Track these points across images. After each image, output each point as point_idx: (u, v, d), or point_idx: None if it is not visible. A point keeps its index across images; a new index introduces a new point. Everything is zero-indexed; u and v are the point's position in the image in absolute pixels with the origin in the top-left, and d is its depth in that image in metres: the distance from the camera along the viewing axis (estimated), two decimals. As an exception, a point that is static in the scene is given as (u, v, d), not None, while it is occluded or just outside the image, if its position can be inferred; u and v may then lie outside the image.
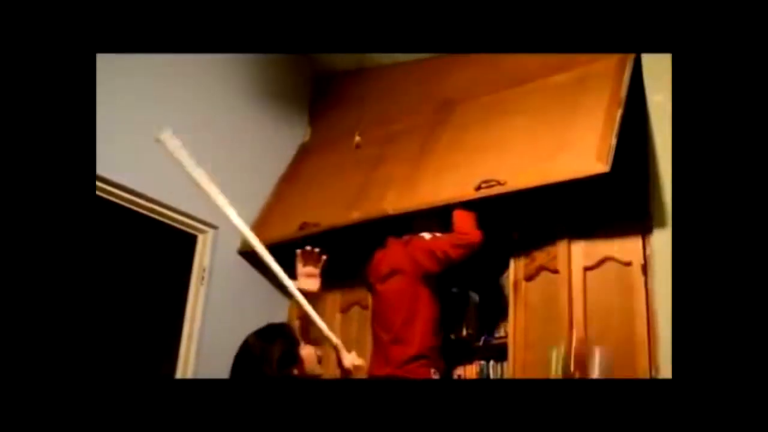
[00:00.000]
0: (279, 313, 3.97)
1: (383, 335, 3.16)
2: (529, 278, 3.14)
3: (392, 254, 3.28)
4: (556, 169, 2.90)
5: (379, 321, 3.22)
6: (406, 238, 3.30)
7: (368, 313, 3.45)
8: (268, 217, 3.98)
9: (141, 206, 3.53)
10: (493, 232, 3.39)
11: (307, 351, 2.41)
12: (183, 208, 3.65)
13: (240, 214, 3.86)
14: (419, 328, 3.08)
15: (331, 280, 3.45)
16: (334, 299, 3.79)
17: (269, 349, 2.42)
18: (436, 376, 3.06)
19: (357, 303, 3.70)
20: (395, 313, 3.13)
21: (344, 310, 3.75)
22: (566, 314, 2.93)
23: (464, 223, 3.11)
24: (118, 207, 3.45)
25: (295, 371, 2.37)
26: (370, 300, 3.44)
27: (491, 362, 3.34)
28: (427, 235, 3.24)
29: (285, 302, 4.01)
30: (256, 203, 4.08)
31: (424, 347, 3.07)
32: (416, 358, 3.04)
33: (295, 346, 2.44)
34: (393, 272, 3.22)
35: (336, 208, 3.62)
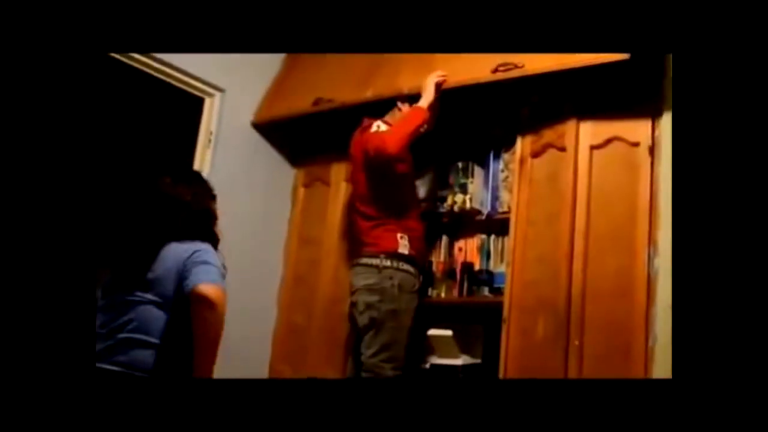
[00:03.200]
0: (285, 183, 4.01)
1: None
2: (536, 155, 3.14)
3: (356, 139, 3.28)
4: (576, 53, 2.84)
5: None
6: (366, 122, 3.27)
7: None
8: (281, 90, 3.93)
9: (148, 66, 3.48)
10: (501, 109, 3.39)
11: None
12: (190, 69, 3.60)
13: (250, 84, 3.87)
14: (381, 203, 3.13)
15: (340, 152, 3.52)
16: (339, 169, 3.82)
17: (196, 186, 2.39)
18: (403, 241, 3.07)
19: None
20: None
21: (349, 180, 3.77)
22: (570, 191, 2.95)
23: (397, 132, 3.03)
24: (125, 66, 3.41)
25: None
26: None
27: (492, 236, 3.41)
28: (376, 124, 3.20)
29: (291, 173, 4.04)
30: (266, 73, 4.01)
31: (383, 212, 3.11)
32: (376, 224, 3.10)
33: (210, 194, 2.41)
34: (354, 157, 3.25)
35: (350, 84, 3.57)
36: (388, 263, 3.01)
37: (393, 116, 3.25)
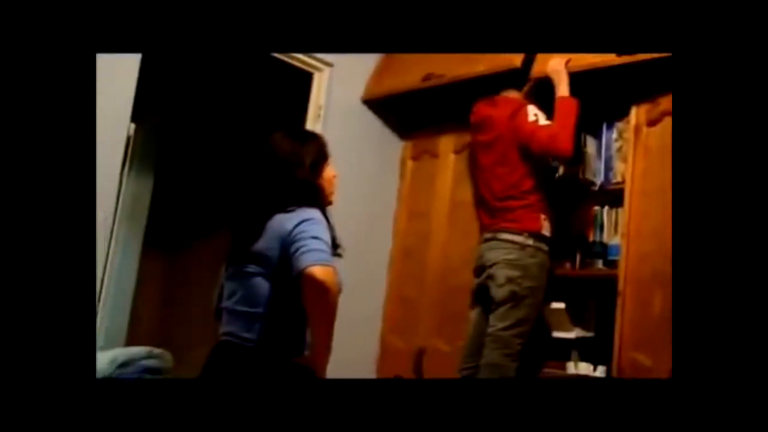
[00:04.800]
0: (393, 156, 4.05)
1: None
2: (652, 123, 3.04)
3: (497, 112, 3.21)
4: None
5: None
6: (516, 101, 3.21)
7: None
8: (390, 66, 3.94)
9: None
10: (613, 79, 3.28)
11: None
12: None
13: (359, 58, 3.90)
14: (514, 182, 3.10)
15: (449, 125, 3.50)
16: (447, 142, 3.81)
17: (301, 148, 2.24)
18: (546, 223, 3.07)
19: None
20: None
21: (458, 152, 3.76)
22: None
23: (565, 130, 2.98)
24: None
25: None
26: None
27: (606, 208, 3.32)
28: (532, 111, 3.11)
29: (398, 141, 4.07)
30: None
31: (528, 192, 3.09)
32: (521, 204, 3.08)
33: (325, 151, 2.28)
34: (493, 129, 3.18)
35: (461, 58, 3.50)
36: (531, 242, 3.02)
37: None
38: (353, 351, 3.35)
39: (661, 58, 2.78)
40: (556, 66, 3.14)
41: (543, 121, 3.07)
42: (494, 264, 3.04)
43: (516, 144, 3.10)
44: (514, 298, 2.97)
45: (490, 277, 3.05)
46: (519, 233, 3.04)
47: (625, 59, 2.95)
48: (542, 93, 3.17)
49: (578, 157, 3.32)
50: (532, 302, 2.99)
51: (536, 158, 3.08)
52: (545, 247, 3.05)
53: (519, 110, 3.13)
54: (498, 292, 3.00)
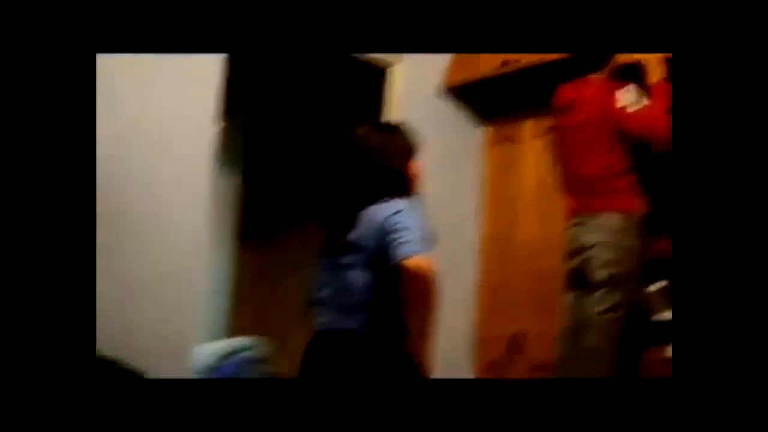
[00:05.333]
0: (475, 144, 4.06)
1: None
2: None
3: (584, 94, 3.16)
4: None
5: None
6: (601, 83, 3.14)
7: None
8: (465, 54, 3.94)
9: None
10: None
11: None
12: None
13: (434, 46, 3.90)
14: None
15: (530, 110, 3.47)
16: (529, 127, 3.81)
17: (391, 140, 2.26)
18: (640, 204, 3.01)
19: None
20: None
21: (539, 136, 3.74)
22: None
23: (661, 115, 2.90)
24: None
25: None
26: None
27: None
28: (624, 94, 3.05)
29: (480, 135, 4.07)
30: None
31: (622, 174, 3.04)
32: (612, 185, 3.04)
33: (413, 142, 2.28)
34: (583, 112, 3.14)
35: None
36: (628, 224, 2.98)
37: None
38: (448, 339, 3.38)
39: None
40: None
41: (636, 105, 3.03)
42: (592, 246, 3.00)
43: (607, 127, 3.06)
44: (612, 281, 2.93)
45: (588, 259, 3.01)
46: (617, 214, 3.00)
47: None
48: (626, 74, 3.11)
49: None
50: (630, 286, 2.95)
51: (631, 140, 3.03)
52: (641, 229, 3.00)
53: (609, 92, 3.08)
54: (596, 275, 2.96)
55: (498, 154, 4.00)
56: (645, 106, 3.01)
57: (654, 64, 3.04)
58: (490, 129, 4.06)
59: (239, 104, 4.45)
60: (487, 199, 4.00)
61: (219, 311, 4.47)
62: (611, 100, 3.06)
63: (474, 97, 4.03)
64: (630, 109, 3.02)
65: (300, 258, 3.18)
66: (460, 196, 4.00)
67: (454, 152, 4.00)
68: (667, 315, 3.11)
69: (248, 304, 4.99)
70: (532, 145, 3.75)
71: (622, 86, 3.09)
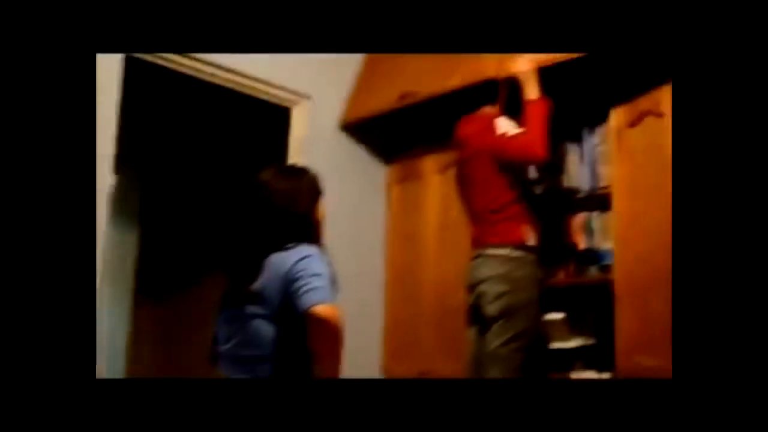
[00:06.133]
0: (376, 177, 4.04)
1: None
2: (632, 125, 3.03)
3: (471, 129, 3.20)
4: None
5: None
6: (488, 115, 3.18)
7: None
8: (366, 87, 3.95)
9: (231, 81, 3.55)
10: (592, 84, 3.29)
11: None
12: (275, 80, 3.66)
13: (336, 87, 3.91)
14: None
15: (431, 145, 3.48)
16: (431, 163, 3.80)
17: (297, 185, 2.20)
18: (530, 232, 3.03)
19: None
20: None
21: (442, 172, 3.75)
22: (671, 160, 2.84)
23: (536, 135, 2.97)
24: (214, 87, 3.50)
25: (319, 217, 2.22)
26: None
27: (595, 213, 3.31)
28: (502, 123, 3.10)
29: (381, 166, 4.06)
30: (351, 74, 4.03)
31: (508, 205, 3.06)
32: (502, 216, 3.06)
33: (319, 186, 2.25)
34: (469, 147, 3.18)
35: (435, 74, 3.53)
36: (517, 254, 2.99)
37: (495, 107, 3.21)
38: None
39: (633, 53, 2.81)
40: (521, 66, 3.09)
41: (513, 130, 3.06)
42: (483, 281, 3.01)
43: (490, 158, 3.08)
44: (507, 313, 2.92)
45: (481, 294, 3.01)
46: (504, 246, 3.01)
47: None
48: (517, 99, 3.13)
49: (557, 166, 3.33)
50: (527, 315, 2.95)
51: (514, 169, 3.06)
52: (533, 258, 3.02)
53: (489, 124, 3.13)
54: (489, 309, 2.96)
55: (401, 191, 3.98)
56: (523, 130, 3.03)
57: (529, 81, 3.06)
58: (394, 167, 4.04)
59: (136, 155, 4.32)
60: (391, 237, 3.97)
61: (114, 370, 4.28)
62: (491, 129, 3.10)
63: (376, 133, 4.02)
64: (508, 135, 3.05)
65: (200, 313, 3.05)
66: (366, 236, 3.95)
67: (359, 191, 3.96)
68: (569, 343, 3.15)
69: (144, 363, 4.77)
70: (434, 181, 3.75)
71: (509, 113, 3.13)
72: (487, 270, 3.01)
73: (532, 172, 3.33)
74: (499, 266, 2.98)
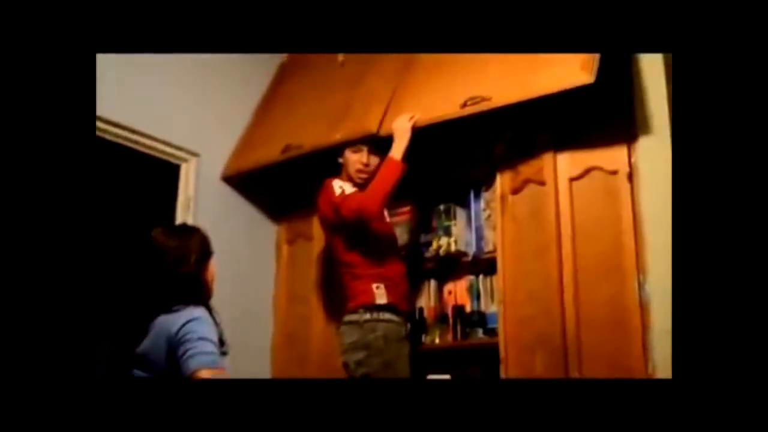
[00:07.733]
0: (266, 236, 4.00)
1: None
2: (516, 191, 3.15)
3: (319, 196, 3.25)
4: (541, 81, 2.86)
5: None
6: (325, 182, 3.22)
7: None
8: (251, 141, 3.93)
9: (120, 137, 3.46)
10: (477, 148, 3.40)
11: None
12: (164, 137, 3.60)
13: (222, 139, 3.88)
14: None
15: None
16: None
17: (186, 244, 2.18)
18: (380, 291, 3.04)
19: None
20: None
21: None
22: (554, 225, 2.96)
23: (376, 192, 3.02)
24: (105, 142, 3.38)
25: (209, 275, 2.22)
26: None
27: (481, 276, 3.40)
28: (337, 185, 3.15)
29: (271, 225, 4.03)
30: (238, 126, 4.03)
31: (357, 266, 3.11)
32: (352, 278, 3.10)
33: (209, 246, 2.25)
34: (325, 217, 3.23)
35: (319, 128, 3.55)
36: (368, 316, 2.98)
37: (344, 172, 3.25)
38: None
39: (509, 106, 2.91)
40: (400, 124, 3.14)
41: (349, 190, 3.11)
42: (345, 350, 3.01)
43: (332, 221, 3.13)
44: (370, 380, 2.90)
45: (346, 364, 3.00)
46: (355, 311, 3.02)
47: (468, 110, 2.99)
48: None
49: (448, 228, 3.40)
50: (391, 376, 2.91)
51: (348, 226, 3.07)
52: (387, 315, 3.00)
53: (326, 188, 3.17)
54: (356, 377, 2.95)
55: (292, 251, 3.95)
56: (356, 190, 3.10)
57: (400, 139, 3.10)
58: (284, 226, 4.01)
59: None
60: (280, 298, 3.91)
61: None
62: (328, 193, 3.14)
63: (260, 188, 3.98)
64: (344, 194, 3.09)
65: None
66: (256, 295, 3.88)
67: (249, 250, 3.90)
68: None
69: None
70: (323, 241, 3.74)
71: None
72: (346, 338, 3.02)
73: (404, 239, 3.38)
74: (354, 333, 2.98)
